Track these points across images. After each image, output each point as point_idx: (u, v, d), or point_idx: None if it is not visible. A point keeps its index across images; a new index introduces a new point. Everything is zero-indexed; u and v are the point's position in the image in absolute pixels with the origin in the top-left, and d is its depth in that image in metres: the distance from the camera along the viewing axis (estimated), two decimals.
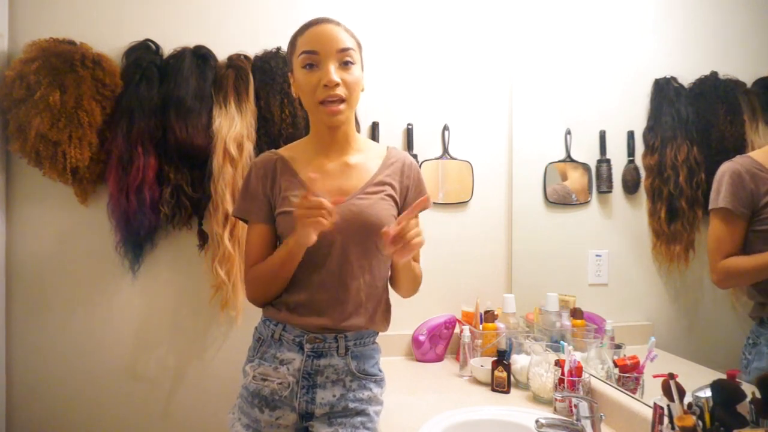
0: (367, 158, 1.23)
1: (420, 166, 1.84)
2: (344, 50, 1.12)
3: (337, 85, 1.11)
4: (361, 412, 1.15)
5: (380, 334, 1.26)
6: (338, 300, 1.15)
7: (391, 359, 1.81)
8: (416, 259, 1.28)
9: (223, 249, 1.67)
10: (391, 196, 1.20)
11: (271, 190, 1.20)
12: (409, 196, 1.24)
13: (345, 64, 1.13)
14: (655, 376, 1.14)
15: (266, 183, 1.21)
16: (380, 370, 1.23)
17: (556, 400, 1.34)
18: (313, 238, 1.06)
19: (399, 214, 1.21)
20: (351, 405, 1.14)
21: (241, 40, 1.78)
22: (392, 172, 1.22)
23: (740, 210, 1.07)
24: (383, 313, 1.24)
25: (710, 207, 1.13)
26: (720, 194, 1.10)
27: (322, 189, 1.15)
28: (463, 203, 1.93)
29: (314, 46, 1.12)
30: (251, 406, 1.16)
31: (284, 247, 1.13)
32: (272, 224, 1.21)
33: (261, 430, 1.15)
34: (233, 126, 1.67)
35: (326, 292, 1.15)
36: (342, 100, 1.13)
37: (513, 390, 1.51)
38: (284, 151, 1.26)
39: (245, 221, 1.25)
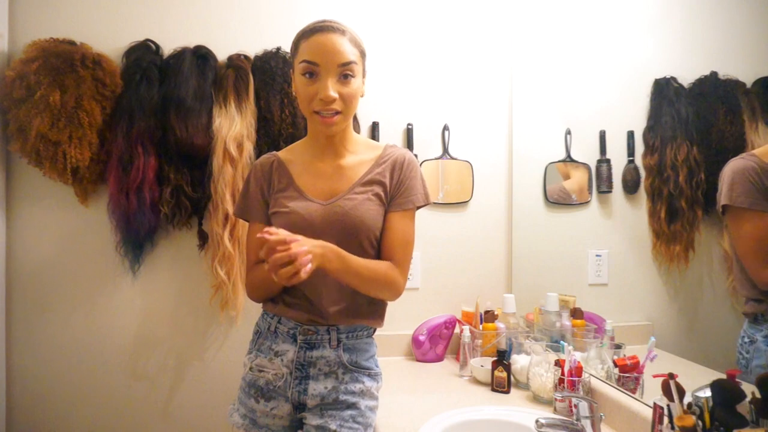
0: (361, 159, 1.22)
1: (420, 166, 1.83)
2: (345, 65, 1.12)
3: (334, 100, 1.11)
4: (351, 406, 1.15)
5: (379, 332, 1.26)
6: (324, 297, 1.16)
7: (391, 359, 1.81)
8: (399, 261, 1.18)
9: (223, 249, 1.68)
10: (378, 195, 1.18)
11: (268, 190, 1.24)
12: (397, 192, 1.20)
13: (344, 77, 1.13)
14: (655, 376, 1.14)
15: (263, 184, 1.24)
16: (376, 365, 1.23)
17: (556, 400, 1.34)
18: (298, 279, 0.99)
19: (385, 211, 1.19)
20: (342, 397, 1.15)
21: (241, 40, 1.78)
22: (383, 170, 1.20)
23: (765, 206, 1.03)
24: (370, 306, 1.20)
25: (728, 203, 1.07)
26: (740, 193, 1.05)
27: (314, 192, 1.19)
28: (463, 203, 1.93)
29: (316, 57, 1.11)
30: (248, 396, 1.19)
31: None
32: (270, 224, 1.22)
33: (257, 420, 1.17)
34: (233, 126, 1.67)
35: (314, 289, 1.16)
36: (337, 113, 1.13)
37: (513, 390, 1.51)
38: (283, 153, 1.29)
39: (246, 220, 1.29)
